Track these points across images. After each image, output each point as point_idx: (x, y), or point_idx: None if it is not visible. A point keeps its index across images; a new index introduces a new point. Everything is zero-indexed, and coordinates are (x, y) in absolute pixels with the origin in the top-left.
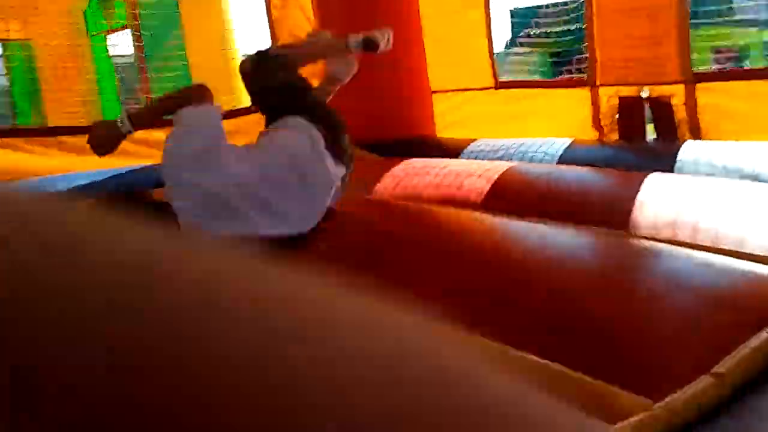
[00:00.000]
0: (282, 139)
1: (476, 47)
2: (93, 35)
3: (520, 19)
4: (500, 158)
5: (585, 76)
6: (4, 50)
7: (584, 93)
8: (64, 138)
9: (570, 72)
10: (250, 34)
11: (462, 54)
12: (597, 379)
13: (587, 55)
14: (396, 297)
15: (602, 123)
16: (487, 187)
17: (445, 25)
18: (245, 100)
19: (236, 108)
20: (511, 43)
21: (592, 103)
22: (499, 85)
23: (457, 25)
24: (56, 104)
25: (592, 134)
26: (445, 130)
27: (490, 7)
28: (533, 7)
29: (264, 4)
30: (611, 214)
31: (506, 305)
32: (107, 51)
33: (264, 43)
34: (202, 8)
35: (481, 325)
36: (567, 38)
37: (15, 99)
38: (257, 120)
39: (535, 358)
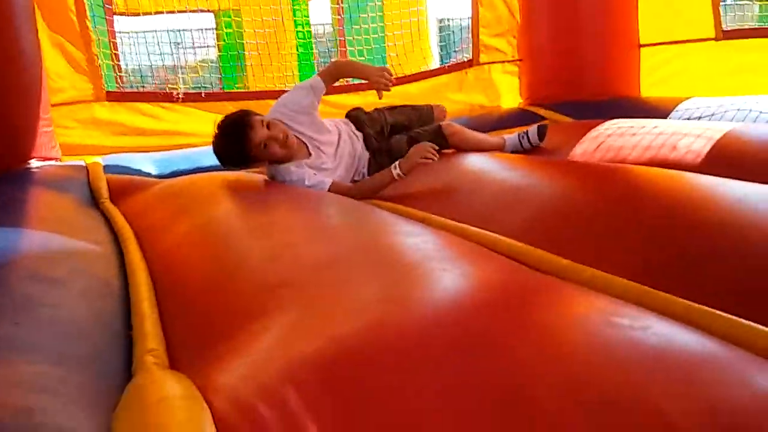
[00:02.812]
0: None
1: None
2: (295, 3)
3: None
4: (717, 118)
5: None
6: (216, 20)
7: None
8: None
9: None
10: None
11: (679, 1)
12: None
13: None
14: None
15: None
16: (707, 148)
17: None
18: (433, 63)
19: (426, 69)
20: None
21: None
22: (723, 36)
23: None
24: (258, 70)
25: None
26: (651, 88)
27: None
28: None
29: None
30: None
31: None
32: (308, 18)
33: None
34: None
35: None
36: None
37: (223, 67)
38: (446, 82)
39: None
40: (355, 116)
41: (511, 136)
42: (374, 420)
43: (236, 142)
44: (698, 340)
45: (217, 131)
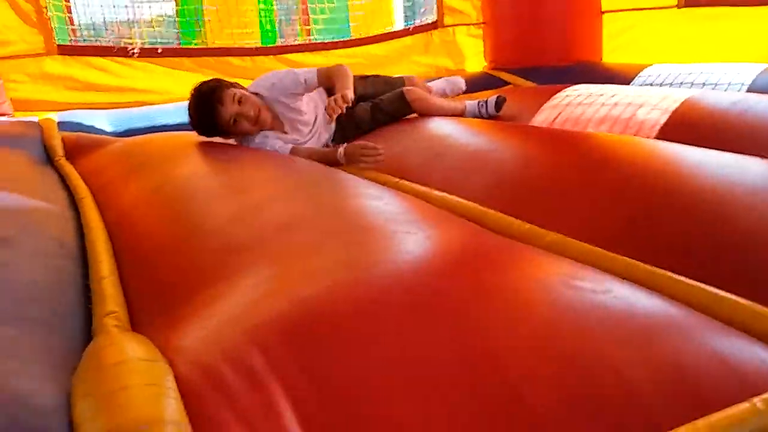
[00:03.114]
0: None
1: None
2: None
3: None
4: (677, 86)
5: None
6: None
7: None
8: (224, 58)
9: None
10: None
11: None
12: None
13: None
14: None
15: None
16: (664, 119)
17: None
18: (398, 25)
19: (389, 31)
20: None
21: None
22: (685, 3)
23: None
24: (217, 27)
25: None
26: (612, 54)
27: None
28: None
29: None
30: None
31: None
32: None
33: None
34: None
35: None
36: None
37: (180, 22)
38: (411, 44)
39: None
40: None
41: (471, 102)
42: (338, 381)
43: (206, 114)
44: (659, 305)
45: (190, 98)
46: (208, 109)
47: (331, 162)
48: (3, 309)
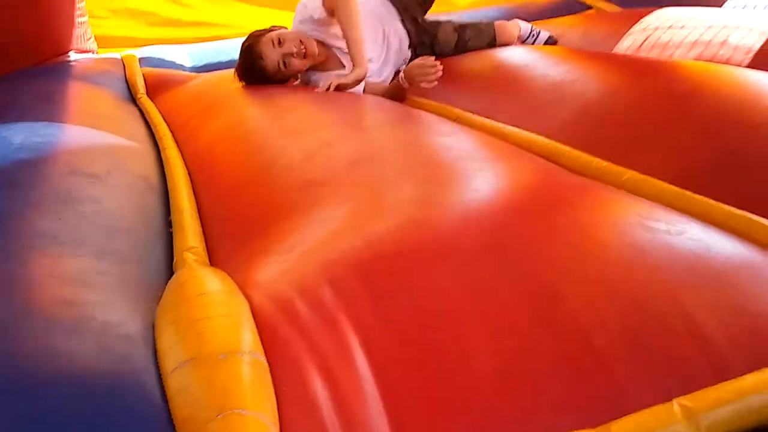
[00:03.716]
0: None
1: None
2: None
3: None
4: None
5: None
6: None
7: None
8: None
9: None
10: None
11: None
12: None
13: None
14: None
15: None
16: (759, 44)
17: None
18: None
19: None
20: None
21: None
22: None
23: None
24: None
25: None
26: None
27: None
28: None
29: None
30: None
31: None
32: None
33: None
34: None
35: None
36: None
37: None
38: None
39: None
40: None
41: (525, 25)
42: (407, 317)
43: (256, 73)
44: (735, 247)
45: (237, 63)
46: (254, 68)
47: (399, 90)
48: (94, 243)
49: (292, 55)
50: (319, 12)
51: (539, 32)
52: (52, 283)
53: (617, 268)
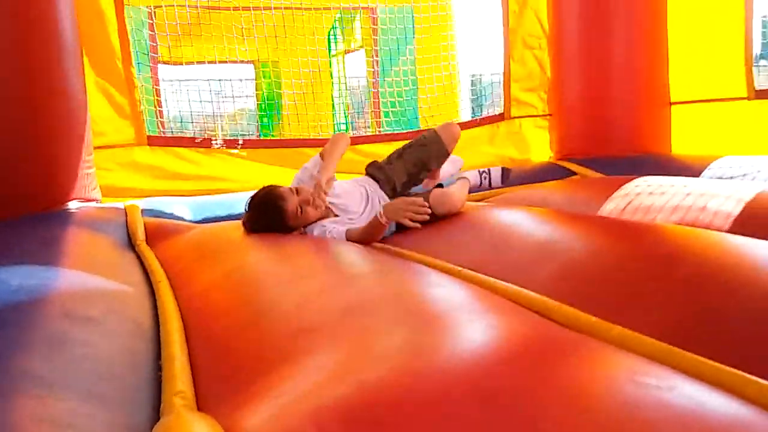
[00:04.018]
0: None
1: (730, 52)
2: (333, 56)
3: None
4: (750, 178)
5: None
6: (256, 71)
7: None
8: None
9: None
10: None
11: (712, 60)
12: None
13: None
14: None
15: None
16: (737, 210)
17: (695, 27)
18: (463, 116)
19: (458, 121)
20: (760, 56)
21: None
22: (755, 95)
23: (709, 27)
24: (294, 119)
25: None
26: (682, 146)
27: (753, 7)
28: None
29: (501, 11)
30: None
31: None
32: (344, 71)
33: (488, 61)
34: (433, 28)
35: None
36: None
37: (260, 116)
38: (477, 135)
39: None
40: (371, 175)
41: (472, 172)
42: None
43: (274, 214)
44: (727, 404)
45: (248, 210)
46: (274, 209)
47: (376, 227)
48: (81, 386)
49: (308, 202)
50: (318, 167)
51: (489, 170)
52: (35, 425)
53: (609, 422)
